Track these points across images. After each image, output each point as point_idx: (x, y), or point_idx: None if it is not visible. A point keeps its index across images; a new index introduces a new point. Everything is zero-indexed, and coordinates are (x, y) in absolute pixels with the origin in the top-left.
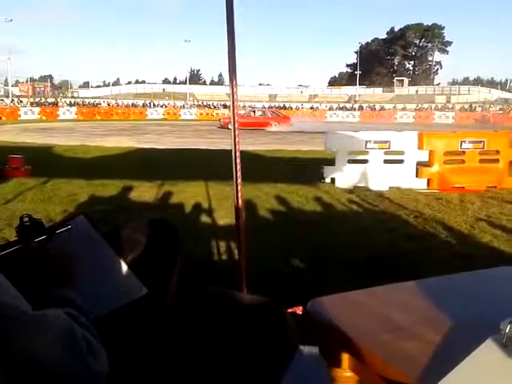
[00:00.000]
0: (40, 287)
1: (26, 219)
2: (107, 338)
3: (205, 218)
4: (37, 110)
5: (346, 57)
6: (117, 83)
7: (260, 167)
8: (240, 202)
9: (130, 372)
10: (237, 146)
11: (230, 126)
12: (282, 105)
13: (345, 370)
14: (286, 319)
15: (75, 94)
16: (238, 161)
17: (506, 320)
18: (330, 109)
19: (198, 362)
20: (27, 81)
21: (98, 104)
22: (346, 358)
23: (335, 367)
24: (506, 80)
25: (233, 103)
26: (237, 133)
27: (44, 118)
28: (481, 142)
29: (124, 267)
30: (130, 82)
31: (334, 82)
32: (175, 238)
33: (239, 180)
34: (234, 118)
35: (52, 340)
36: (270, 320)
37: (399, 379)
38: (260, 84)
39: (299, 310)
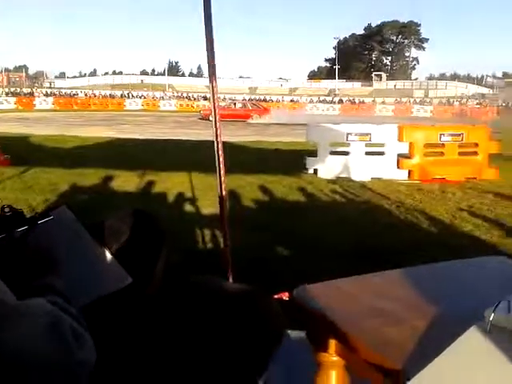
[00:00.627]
0: (23, 277)
1: (7, 209)
2: (92, 326)
3: (189, 208)
4: (12, 99)
5: (324, 51)
6: (93, 74)
7: (243, 158)
8: (224, 192)
9: (114, 361)
10: (219, 138)
11: (211, 118)
12: (262, 97)
13: (331, 354)
14: (271, 305)
15: (52, 85)
16: (221, 152)
17: (490, 308)
18: (311, 102)
19: (183, 350)
20: (1, 71)
21: (75, 94)
22: (332, 343)
23: (322, 352)
24: (482, 76)
25: (213, 95)
26: (218, 124)
27: (20, 107)
28: (460, 134)
29: (108, 257)
30: (107, 73)
31: (313, 76)
32: (159, 228)
33: (222, 171)
34: (214, 109)
35: (36, 329)
36: (255, 306)
37: (384, 364)
38: (240, 77)
39: (285, 296)
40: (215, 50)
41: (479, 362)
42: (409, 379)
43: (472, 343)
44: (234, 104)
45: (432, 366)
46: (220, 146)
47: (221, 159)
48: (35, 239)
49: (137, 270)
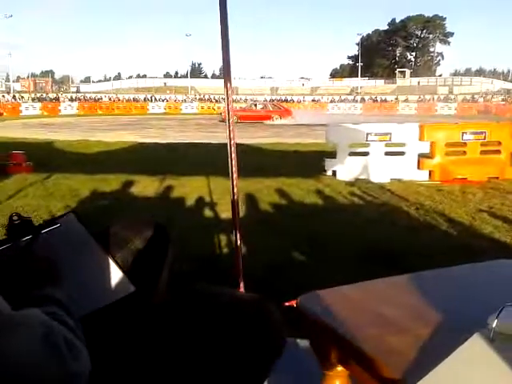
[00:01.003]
0: (24, 287)
1: (16, 218)
2: (93, 335)
3: (207, 212)
4: (38, 105)
5: (347, 49)
6: (118, 78)
7: (261, 160)
8: (236, 196)
9: (117, 370)
10: (232, 141)
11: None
12: (283, 98)
13: (335, 364)
14: (273, 313)
15: (78, 89)
16: (234, 155)
17: (493, 315)
18: (332, 101)
19: (186, 359)
20: (28, 76)
21: (99, 99)
22: (335, 352)
23: (326, 361)
24: (509, 70)
25: (227, 96)
26: (231, 128)
27: (45, 113)
28: (482, 133)
29: (112, 265)
30: (131, 77)
31: (335, 74)
32: (165, 235)
33: (235, 174)
34: (228, 111)
35: (29, 340)
36: (256, 315)
37: (386, 374)
38: (262, 77)
39: (295, 304)
40: (234, 50)
41: (481, 370)
42: None
43: (474, 351)
44: (255, 105)
45: (432, 374)
46: (233, 148)
47: (234, 162)
48: (40, 248)
49: (141, 278)
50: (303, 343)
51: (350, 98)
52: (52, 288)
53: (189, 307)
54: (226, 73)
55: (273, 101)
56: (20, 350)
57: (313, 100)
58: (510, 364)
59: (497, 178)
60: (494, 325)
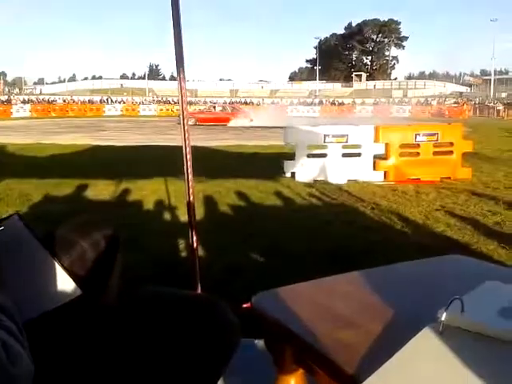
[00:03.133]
0: None
1: None
2: (40, 339)
3: (166, 216)
4: None
5: (305, 52)
6: (73, 79)
7: (221, 163)
8: (192, 198)
9: (64, 374)
10: (187, 142)
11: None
12: (243, 100)
13: (289, 362)
14: (225, 313)
15: (33, 91)
16: (189, 157)
17: (443, 308)
18: (291, 104)
19: (136, 361)
20: None
21: (53, 101)
22: (289, 350)
23: (280, 360)
24: (461, 74)
25: (181, 99)
26: (186, 128)
27: None
28: (435, 134)
29: (58, 268)
30: (86, 78)
31: (294, 77)
32: (114, 238)
33: (190, 176)
34: (183, 113)
35: None
36: (207, 314)
37: (339, 370)
38: (221, 79)
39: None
40: (193, 52)
41: (431, 363)
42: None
43: (424, 345)
44: (214, 107)
45: (384, 368)
46: (188, 149)
47: (189, 163)
48: None
49: (89, 281)
50: (260, 344)
51: (309, 100)
52: None
53: (138, 309)
54: (180, 73)
55: (232, 103)
56: None
57: (272, 102)
58: (458, 356)
59: (449, 178)
60: (442, 318)
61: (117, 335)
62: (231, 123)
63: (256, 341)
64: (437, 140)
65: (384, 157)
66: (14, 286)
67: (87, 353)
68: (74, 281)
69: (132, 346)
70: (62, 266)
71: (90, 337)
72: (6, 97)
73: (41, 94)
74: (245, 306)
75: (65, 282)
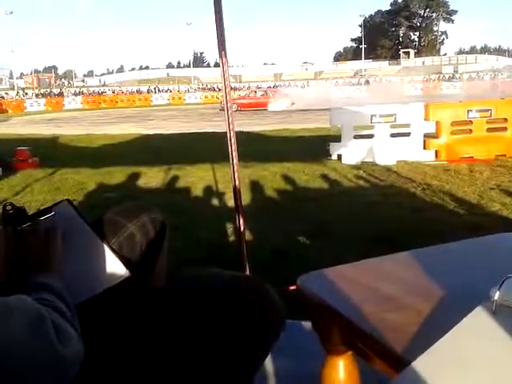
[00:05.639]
0: (18, 274)
1: (9, 207)
2: (90, 321)
3: (214, 201)
4: (42, 101)
5: (350, 31)
6: (121, 70)
7: (266, 147)
8: (238, 182)
9: (114, 355)
10: (231, 126)
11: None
12: (287, 83)
13: (337, 343)
14: (270, 294)
15: (80, 84)
16: (234, 140)
17: (495, 287)
18: (336, 84)
19: (185, 342)
20: (31, 72)
21: (103, 92)
22: (337, 331)
23: (328, 341)
24: None
25: (224, 85)
26: (230, 112)
27: (50, 108)
28: (488, 110)
29: (107, 251)
30: (133, 69)
31: (339, 58)
32: (161, 221)
33: (235, 160)
34: (226, 99)
35: (15, 326)
36: (253, 295)
37: (388, 350)
38: (264, 63)
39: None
40: (235, 38)
41: (484, 343)
42: (410, 363)
43: (477, 324)
44: (255, 92)
45: (434, 348)
46: (233, 134)
47: (234, 147)
48: (35, 236)
49: (138, 263)
50: (307, 325)
51: (355, 80)
52: (44, 275)
53: (187, 291)
54: (222, 60)
55: (276, 87)
56: (5, 336)
57: (317, 84)
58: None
59: (504, 155)
60: (495, 297)
61: (165, 316)
62: (271, 107)
63: (303, 322)
64: (490, 116)
65: (435, 135)
66: (65, 270)
67: (136, 335)
68: (122, 263)
69: (180, 326)
70: (111, 248)
71: (139, 318)
72: (58, 90)
73: (90, 86)
74: (291, 287)
75: (114, 265)
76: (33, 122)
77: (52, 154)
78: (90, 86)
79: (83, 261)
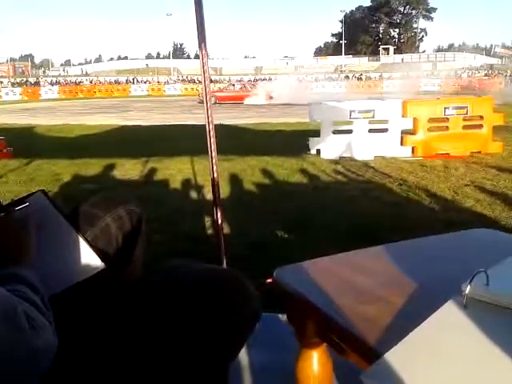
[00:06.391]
0: None
1: None
2: (65, 313)
3: (192, 194)
4: (18, 90)
5: (330, 26)
6: (99, 60)
7: (246, 141)
8: (216, 175)
9: (88, 347)
10: (210, 119)
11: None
12: (267, 77)
13: (311, 336)
14: (244, 286)
15: (61, 73)
16: (213, 133)
17: (467, 281)
18: (316, 80)
19: (159, 333)
20: (7, 61)
21: (80, 82)
22: (311, 323)
23: (302, 333)
24: (491, 45)
25: (204, 78)
26: (209, 104)
27: (26, 98)
28: (464, 107)
29: (82, 243)
30: (112, 59)
31: (319, 53)
32: (138, 213)
33: (214, 153)
34: (206, 92)
35: None
36: (229, 287)
37: (361, 342)
38: (245, 57)
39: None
40: (216, 30)
41: (455, 336)
42: (382, 355)
43: (448, 317)
44: (233, 85)
45: (406, 341)
46: (212, 127)
47: (213, 140)
48: (8, 226)
49: (113, 255)
50: (283, 318)
51: (335, 76)
52: (17, 266)
53: (162, 283)
54: (202, 52)
55: (256, 80)
56: None
57: (297, 79)
58: (482, 329)
59: (479, 152)
60: (467, 291)
61: (140, 308)
62: (248, 101)
63: (280, 315)
64: (466, 113)
65: (412, 132)
66: (39, 261)
67: (111, 327)
68: (97, 255)
69: (155, 318)
70: (86, 240)
71: (114, 310)
72: (35, 79)
73: (67, 75)
74: (268, 280)
75: (89, 257)
76: (8, 111)
77: (27, 144)
78: (69, 76)
79: (58, 252)
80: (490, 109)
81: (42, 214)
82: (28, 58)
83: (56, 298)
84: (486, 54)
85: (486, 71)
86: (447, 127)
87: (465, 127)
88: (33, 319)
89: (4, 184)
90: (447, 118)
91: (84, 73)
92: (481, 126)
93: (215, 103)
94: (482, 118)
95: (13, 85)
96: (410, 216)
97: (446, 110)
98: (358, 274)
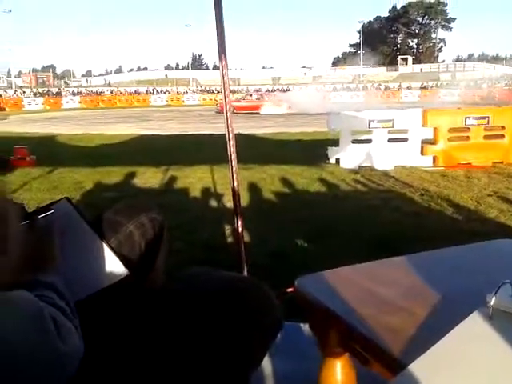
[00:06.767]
0: (17, 271)
1: None
2: (89, 319)
3: (212, 202)
4: (40, 100)
5: (349, 37)
6: (119, 71)
7: (265, 150)
8: (236, 183)
9: (112, 353)
10: (230, 128)
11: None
12: (285, 87)
13: (334, 345)
14: (266, 295)
15: (78, 83)
16: (233, 143)
17: (492, 292)
18: (334, 89)
19: (181, 342)
20: (30, 71)
21: (101, 92)
22: (334, 333)
23: (325, 343)
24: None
25: (224, 88)
26: (229, 114)
27: (48, 107)
28: (485, 117)
29: (106, 250)
30: (132, 70)
31: (337, 63)
32: (159, 221)
33: (234, 162)
34: (225, 102)
35: (14, 321)
36: (250, 296)
37: (384, 353)
38: (263, 67)
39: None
40: (235, 41)
41: (480, 348)
42: (406, 366)
43: (473, 329)
44: (250, 95)
45: (431, 352)
46: (232, 136)
47: (233, 149)
48: (34, 234)
49: (136, 261)
50: (305, 327)
51: (353, 86)
52: (43, 273)
53: (185, 291)
54: (222, 63)
55: (274, 91)
56: (8, 329)
57: (315, 89)
58: (508, 341)
59: (501, 162)
60: (492, 302)
61: (163, 315)
62: (265, 110)
63: (302, 324)
64: (487, 124)
65: (432, 141)
66: (64, 268)
67: (134, 333)
68: (121, 262)
69: (177, 326)
70: (110, 247)
71: (137, 317)
72: (57, 89)
73: (89, 85)
74: (289, 290)
75: (113, 263)
76: (31, 120)
77: (49, 152)
78: (91, 86)
79: (82, 259)
80: (511, 119)
81: (66, 220)
82: (50, 68)
83: (81, 304)
84: (507, 64)
85: (506, 81)
86: (468, 137)
87: (486, 137)
88: (60, 325)
89: (27, 191)
90: (468, 128)
91: (107, 83)
92: (502, 136)
93: (233, 113)
94: (503, 128)
95: (35, 95)
96: (431, 226)
97: (467, 119)
98: (379, 284)
